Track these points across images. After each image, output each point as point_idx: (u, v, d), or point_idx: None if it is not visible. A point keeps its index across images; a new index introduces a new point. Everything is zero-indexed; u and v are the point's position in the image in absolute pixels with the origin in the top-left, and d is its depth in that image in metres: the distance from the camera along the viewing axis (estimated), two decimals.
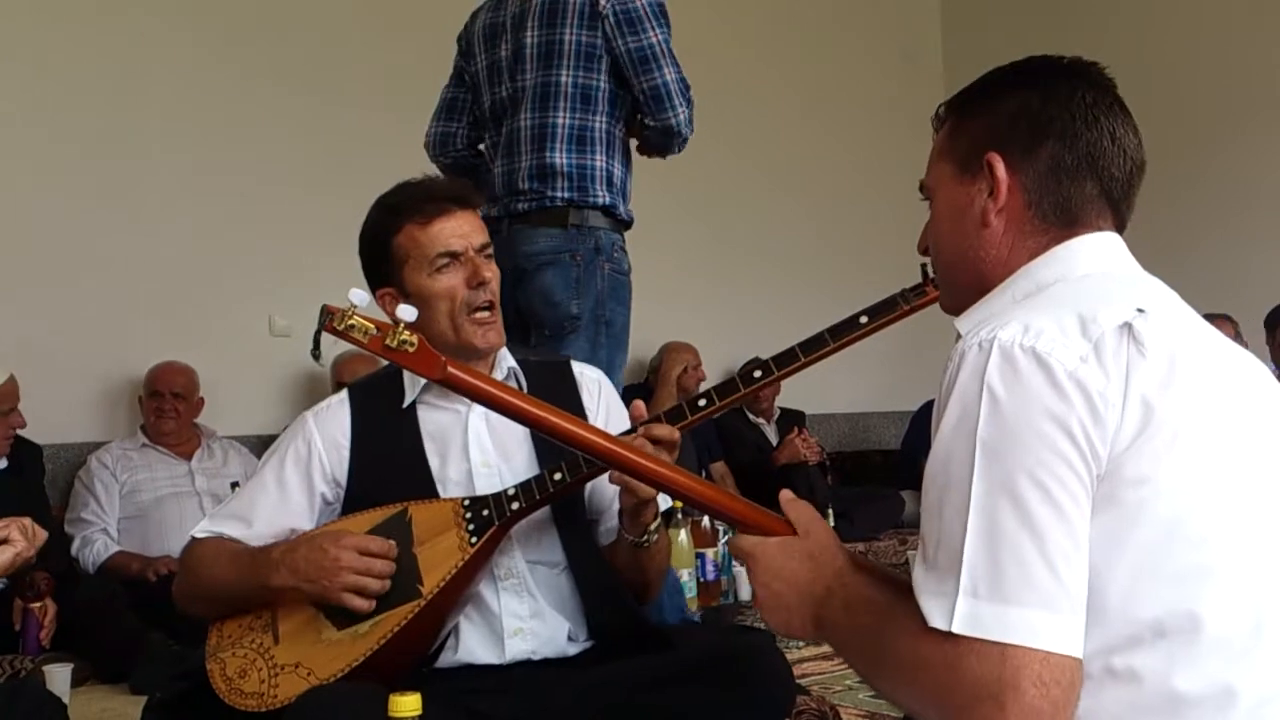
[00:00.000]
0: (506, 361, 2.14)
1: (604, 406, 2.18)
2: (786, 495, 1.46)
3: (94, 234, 4.75)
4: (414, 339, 1.70)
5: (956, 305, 1.36)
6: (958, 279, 1.35)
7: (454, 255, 2.03)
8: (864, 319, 1.89)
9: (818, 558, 1.35)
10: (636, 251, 5.96)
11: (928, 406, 5.91)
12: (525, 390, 2.10)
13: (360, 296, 1.71)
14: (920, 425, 5.99)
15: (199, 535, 2.08)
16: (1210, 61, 5.98)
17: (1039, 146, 1.28)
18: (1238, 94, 6.00)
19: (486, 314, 2.05)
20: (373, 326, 1.71)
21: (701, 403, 1.93)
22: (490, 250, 2.09)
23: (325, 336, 1.74)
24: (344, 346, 1.81)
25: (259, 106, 5.13)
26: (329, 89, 5.29)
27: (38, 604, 3.45)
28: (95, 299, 4.73)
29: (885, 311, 1.87)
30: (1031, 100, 1.30)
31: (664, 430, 1.86)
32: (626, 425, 2.09)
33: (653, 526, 1.96)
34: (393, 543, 1.89)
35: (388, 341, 1.69)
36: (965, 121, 1.35)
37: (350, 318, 1.71)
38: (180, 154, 4.94)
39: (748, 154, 6.48)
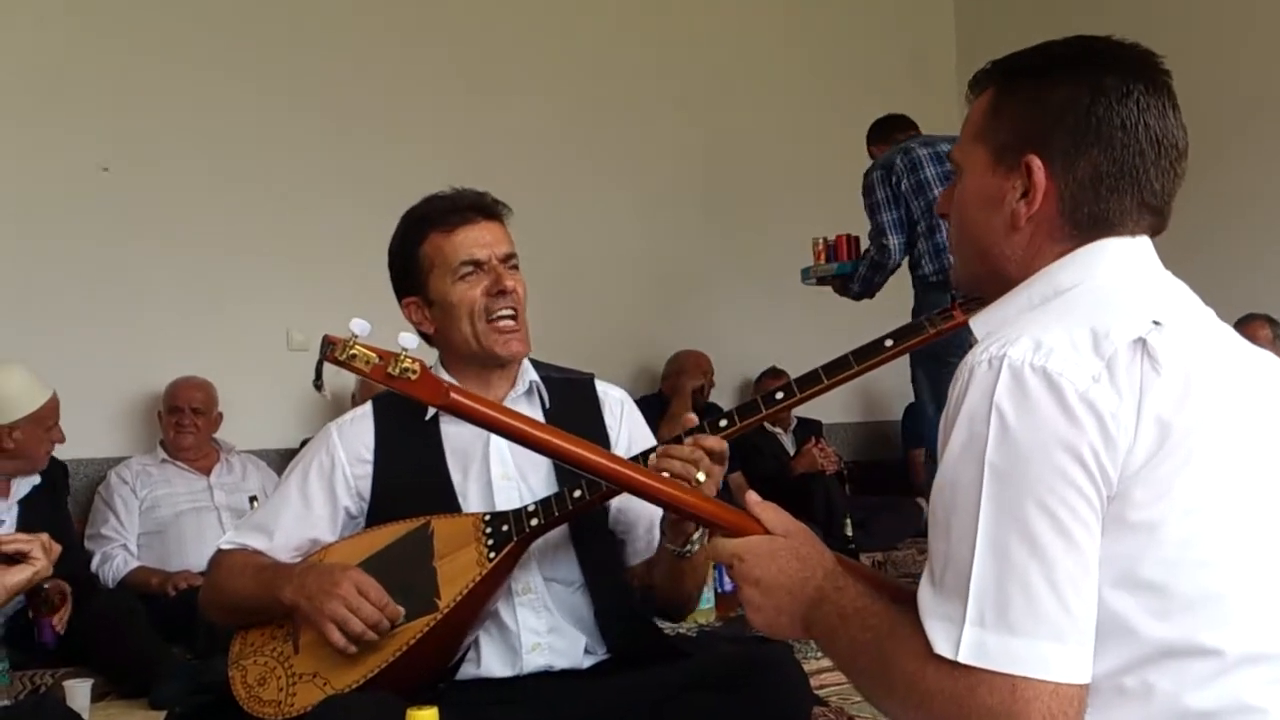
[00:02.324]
0: (529, 375, 2.14)
1: (626, 425, 2.18)
2: (754, 498, 1.45)
3: (111, 250, 4.78)
4: (416, 366, 1.70)
5: (969, 283, 1.35)
6: (976, 266, 1.32)
7: (477, 264, 2.05)
8: (889, 342, 1.86)
9: (806, 558, 1.34)
10: (647, 258, 6.00)
11: (911, 410, 5.99)
12: (547, 405, 2.12)
13: (361, 326, 1.70)
14: (911, 426, 6.02)
15: (225, 546, 2.11)
16: (1224, 66, 5.95)
17: (1082, 154, 1.22)
18: (1252, 98, 5.97)
19: (510, 322, 2.05)
20: (375, 355, 1.70)
21: (723, 423, 1.92)
22: (515, 261, 2.09)
23: (326, 366, 1.75)
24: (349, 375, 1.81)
25: (275, 122, 5.15)
26: (346, 105, 5.32)
27: (54, 616, 3.47)
28: (114, 314, 4.76)
29: (910, 335, 1.84)
30: (1081, 97, 1.22)
31: (714, 441, 1.84)
32: (648, 444, 2.10)
33: (695, 537, 1.94)
34: (400, 609, 1.87)
35: (390, 370, 1.69)
36: (1008, 103, 1.28)
37: (352, 347, 1.71)
38: (198, 169, 4.97)
39: (757, 158, 6.48)
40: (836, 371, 1.91)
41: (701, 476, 1.78)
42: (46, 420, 3.89)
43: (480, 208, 2.09)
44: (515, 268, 2.09)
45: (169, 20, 4.98)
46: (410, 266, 2.09)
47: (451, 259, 2.04)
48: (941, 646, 1.09)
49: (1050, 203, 1.24)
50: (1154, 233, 1.27)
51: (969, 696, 1.07)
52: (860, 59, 6.90)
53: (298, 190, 5.17)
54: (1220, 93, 5.74)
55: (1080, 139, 1.22)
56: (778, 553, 1.35)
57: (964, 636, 1.08)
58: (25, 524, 3.69)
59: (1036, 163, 1.23)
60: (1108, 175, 1.22)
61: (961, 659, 1.07)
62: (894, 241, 4.70)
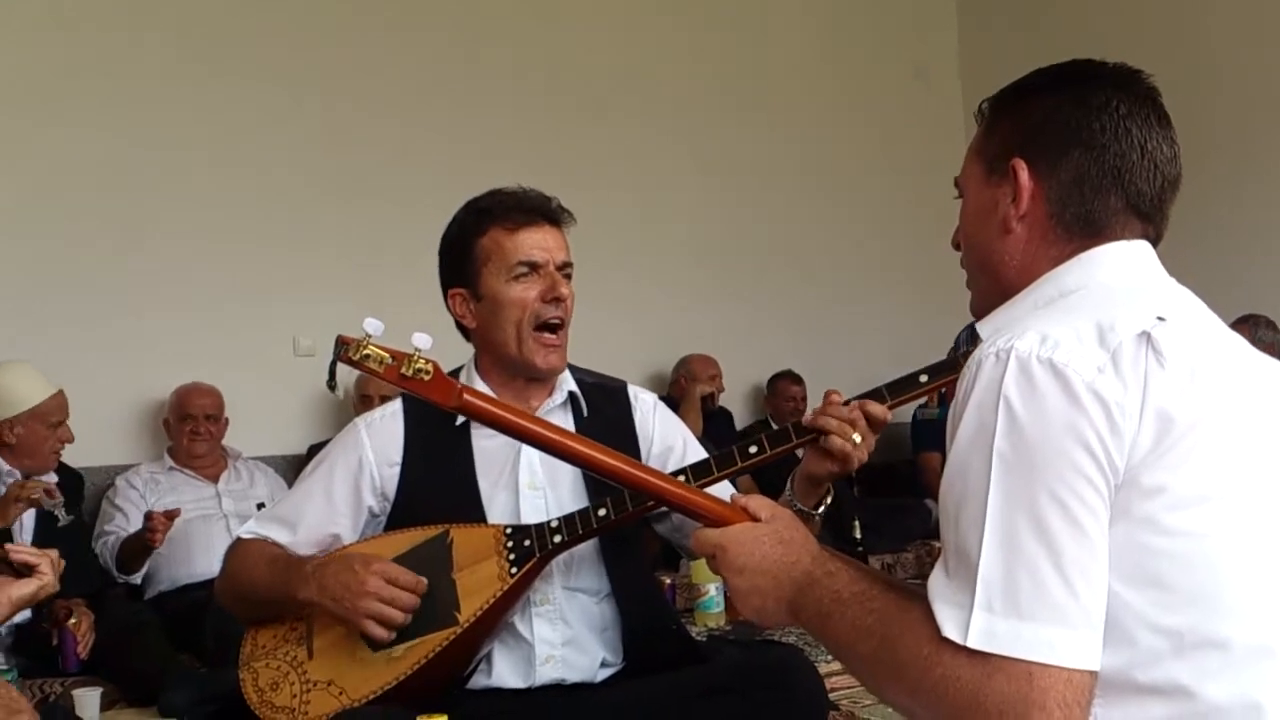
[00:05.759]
0: (567, 385, 2.13)
1: (659, 427, 2.17)
2: (739, 497, 1.45)
3: (116, 257, 4.78)
4: (429, 367, 1.69)
5: (981, 308, 1.35)
6: (981, 282, 1.35)
7: (535, 266, 2.03)
8: (924, 378, 1.86)
9: (789, 541, 1.34)
10: (652, 261, 5.98)
11: (919, 414, 6.00)
12: (584, 412, 2.11)
13: (375, 325, 1.70)
14: (921, 433, 6.02)
15: (244, 535, 2.10)
16: (1232, 77, 5.94)
17: (1064, 155, 1.26)
18: (1260, 107, 5.95)
19: (553, 335, 2.04)
20: (388, 355, 1.70)
21: (753, 449, 1.89)
22: (570, 271, 2.09)
23: (340, 366, 1.74)
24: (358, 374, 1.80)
25: (280, 126, 5.14)
26: (353, 108, 5.31)
27: (72, 622, 3.48)
28: (117, 320, 4.74)
29: (945, 372, 1.85)
30: (1063, 106, 1.28)
31: (878, 409, 1.83)
32: (682, 439, 2.14)
33: (829, 500, 1.91)
34: (423, 580, 1.87)
35: (403, 370, 1.69)
36: (999, 121, 1.33)
37: (365, 347, 1.70)
38: (201, 175, 4.96)
39: (766, 165, 6.47)
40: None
41: (857, 438, 1.79)
42: (49, 417, 3.85)
43: (546, 212, 2.08)
44: (569, 277, 2.08)
45: (171, 23, 4.98)
46: (465, 257, 2.07)
47: (510, 257, 2.03)
48: (950, 630, 1.09)
49: (1038, 204, 1.27)
50: (1149, 241, 1.29)
51: (986, 683, 1.07)
52: (864, 72, 6.90)
53: (304, 193, 5.15)
54: (1214, 95, 5.74)
55: (1062, 142, 1.27)
56: (760, 538, 1.35)
57: (973, 621, 1.08)
58: (41, 530, 3.66)
59: (1020, 165, 1.27)
60: (1090, 175, 1.26)
61: (970, 643, 1.08)
62: None
